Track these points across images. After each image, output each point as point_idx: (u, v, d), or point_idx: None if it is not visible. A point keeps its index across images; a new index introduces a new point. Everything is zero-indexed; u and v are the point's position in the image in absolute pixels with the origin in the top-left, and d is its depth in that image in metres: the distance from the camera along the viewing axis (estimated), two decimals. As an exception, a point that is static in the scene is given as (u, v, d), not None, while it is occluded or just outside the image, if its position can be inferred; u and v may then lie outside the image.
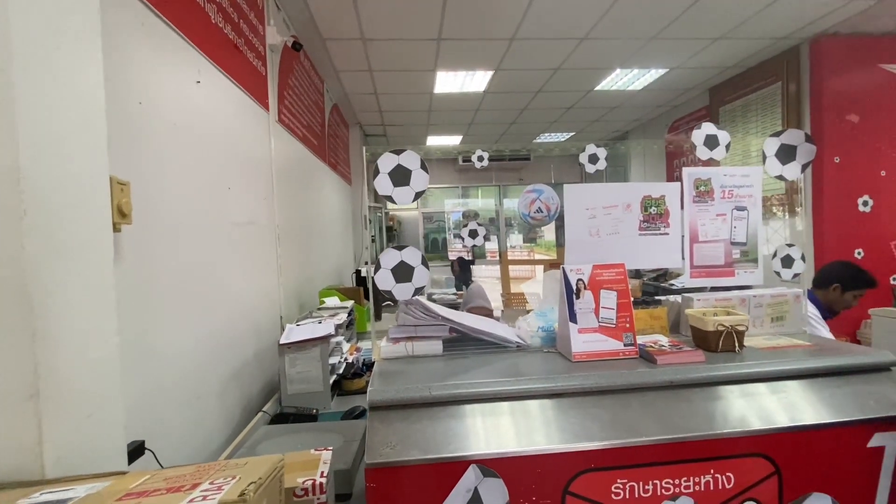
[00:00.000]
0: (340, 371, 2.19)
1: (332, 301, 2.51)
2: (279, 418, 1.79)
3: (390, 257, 1.09)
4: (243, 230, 2.14)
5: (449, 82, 4.42)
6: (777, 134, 1.18)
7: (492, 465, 0.82)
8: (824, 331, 1.69)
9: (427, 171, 1.09)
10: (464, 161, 7.50)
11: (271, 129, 2.66)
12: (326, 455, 1.12)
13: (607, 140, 7.26)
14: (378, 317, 3.91)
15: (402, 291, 1.10)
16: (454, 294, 4.59)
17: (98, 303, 0.98)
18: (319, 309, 2.61)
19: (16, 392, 0.79)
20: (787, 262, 1.22)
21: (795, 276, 1.22)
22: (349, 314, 2.53)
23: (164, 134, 1.47)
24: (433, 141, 6.76)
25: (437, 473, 0.82)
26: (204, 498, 0.63)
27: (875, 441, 0.90)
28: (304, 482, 0.97)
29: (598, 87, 4.76)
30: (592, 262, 1.08)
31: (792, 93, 3.96)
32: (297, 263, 2.99)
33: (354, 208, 5.78)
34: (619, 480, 0.85)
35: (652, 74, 4.49)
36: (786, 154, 1.17)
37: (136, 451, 1.19)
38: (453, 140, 6.63)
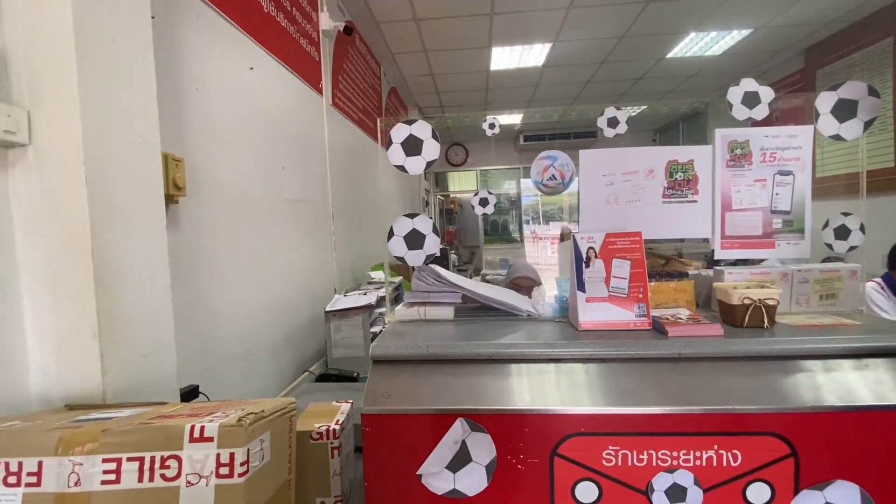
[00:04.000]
0: (383, 340, 2.31)
1: (378, 275, 2.64)
2: (323, 378, 1.95)
3: (402, 225, 1.14)
4: (297, 207, 2.31)
5: (505, 58, 4.33)
6: (834, 87, 1.03)
7: (479, 420, 0.85)
8: (886, 316, 1.47)
9: (438, 141, 1.11)
10: (525, 140, 7.32)
11: (326, 112, 2.81)
12: (345, 406, 1.22)
13: (683, 115, 6.68)
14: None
15: (414, 258, 1.14)
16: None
17: (152, 260, 1.14)
18: (369, 283, 2.75)
19: (82, 331, 0.95)
20: (842, 233, 1.07)
21: (851, 248, 1.07)
22: (396, 289, 2.64)
23: (219, 117, 1.63)
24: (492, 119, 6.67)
25: (427, 424, 0.86)
26: (212, 420, 0.72)
27: (918, 430, 0.79)
28: (319, 427, 1.07)
29: (669, 55, 4.39)
30: (604, 231, 1.04)
31: (908, 48, 3.37)
32: (351, 240, 3.16)
33: (413, 190, 5.92)
34: (611, 447, 0.84)
35: (733, 37, 4.04)
36: (844, 110, 1.03)
37: (190, 393, 1.36)
38: (513, 118, 6.48)
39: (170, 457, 0.70)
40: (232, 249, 1.66)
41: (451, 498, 0.86)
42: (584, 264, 1.03)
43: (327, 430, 1.07)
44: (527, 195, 8.24)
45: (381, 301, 2.36)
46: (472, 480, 0.85)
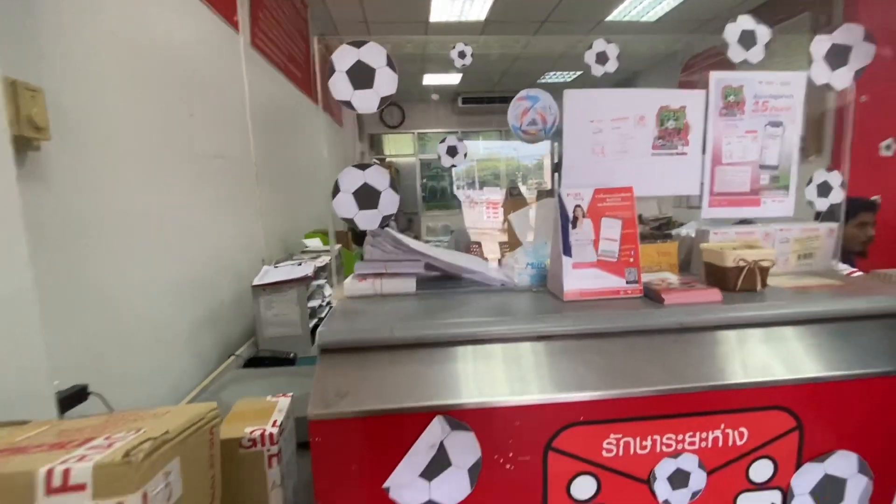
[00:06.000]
0: (322, 315, 2.07)
1: (314, 243, 2.35)
2: (254, 362, 1.69)
3: (351, 178, 0.91)
4: (213, 164, 1.95)
5: (446, 8, 4.02)
6: (829, 30, 0.96)
7: (461, 417, 0.69)
8: None
9: (395, 70, 0.88)
10: (464, 103, 7.08)
11: (244, 53, 2.39)
12: (283, 402, 1.00)
13: (616, 81, 6.82)
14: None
15: (366, 220, 0.93)
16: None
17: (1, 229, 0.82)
18: (302, 252, 2.47)
19: None
20: (824, 189, 1.03)
21: (832, 206, 1.04)
22: (336, 258, 2.39)
23: (100, 42, 1.25)
24: (430, 80, 6.34)
25: (396, 426, 0.68)
26: (81, 458, 0.49)
27: (916, 394, 0.76)
28: (252, 432, 0.86)
29: (609, 18, 4.34)
30: (592, 186, 0.90)
31: (822, 24, 3.59)
32: (281, 205, 2.82)
33: (346, 151, 5.50)
34: (612, 435, 0.72)
35: (669, 2, 4.07)
36: (837, 56, 0.96)
37: (77, 394, 1.06)
38: (451, 79, 6.20)
39: (14, 519, 0.46)
40: (126, 213, 1.31)
41: (427, 510, 0.70)
42: (570, 225, 0.88)
43: (262, 436, 0.85)
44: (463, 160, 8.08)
45: (318, 272, 2.11)
46: (452, 487, 0.70)
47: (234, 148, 2.20)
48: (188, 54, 1.77)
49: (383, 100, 0.89)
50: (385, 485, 0.69)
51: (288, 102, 3.18)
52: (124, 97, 1.36)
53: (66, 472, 0.47)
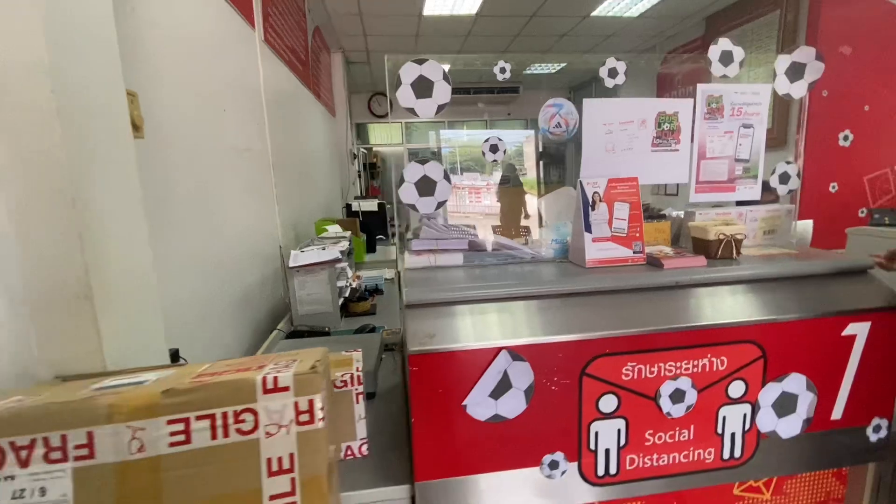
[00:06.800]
0: (346, 294, 2.27)
1: (334, 229, 2.54)
2: (293, 335, 1.88)
3: (414, 171, 1.12)
4: (241, 156, 2.10)
5: (440, 3, 4.17)
6: (790, 51, 1.20)
7: (519, 352, 0.92)
8: None
9: (450, 83, 1.09)
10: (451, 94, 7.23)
11: (259, 49, 2.52)
12: (358, 355, 1.21)
13: (597, 74, 7.08)
14: (372, 249, 3.97)
15: (425, 205, 1.14)
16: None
17: (129, 210, 1.00)
18: (321, 237, 2.63)
19: (72, 292, 0.83)
20: (784, 178, 1.29)
21: (790, 192, 1.30)
22: (349, 243, 2.57)
23: (161, 45, 1.39)
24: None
25: (472, 359, 0.91)
26: (278, 371, 0.70)
27: (848, 330, 1.03)
28: (342, 375, 1.07)
29: (594, 13, 4.57)
30: (606, 177, 1.14)
31: (789, 22, 3.89)
32: (292, 194, 2.97)
33: (339, 141, 5.61)
34: (629, 364, 0.96)
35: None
36: (795, 72, 1.21)
37: (173, 356, 1.25)
38: (441, 70, 6.33)
39: (243, 411, 0.67)
40: (182, 202, 1.47)
41: (493, 422, 0.93)
42: (590, 207, 1.12)
43: (350, 378, 1.07)
44: (445, 146, 8.26)
45: (343, 255, 2.29)
46: (513, 404, 0.93)
47: (256, 141, 2.35)
48: (217, 50, 1.90)
49: (440, 107, 1.10)
50: (463, 402, 0.92)
51: (292, 94, 3.31)
52: (180, 93, 1.50)
53: (276, 378, 0.68)
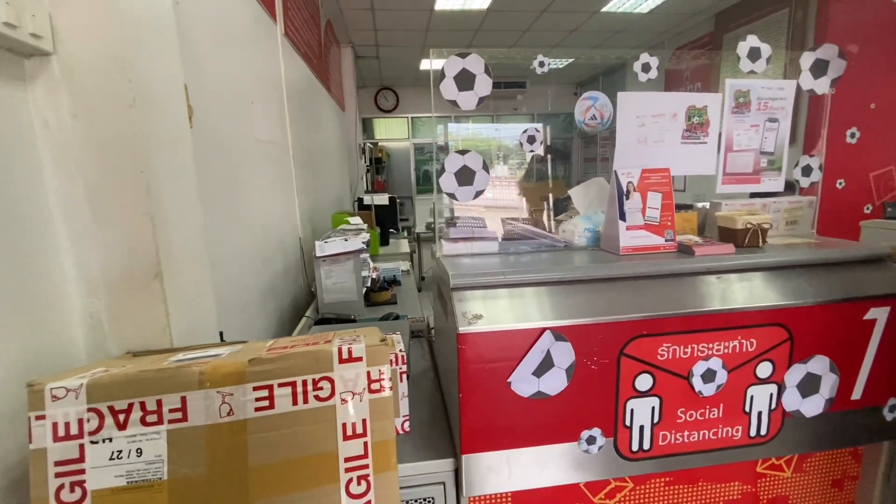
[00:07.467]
0: (368, 284, 2.32)
1: (356, 220, 2.60)
2: (321, 322, 1.94)
3: (454, 161, 1.17)
4: (266, 148, 2.14)
5: (453, -2, 4.20)
6: (814, 48, 1.25)
7: (562, 332, 0.97)
8: None
9: (491, 76, 1.13)
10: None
11: (280, 42, 2.55)
12: (397, 337, 1.27)
13: (605, 70, 7.11)
14: (386, 242, 4.02)
15: (464, 194, 1.19)
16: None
17: (187, 195, 1.05)
18: (341, 229, 2.68)
19: (144, 272, 0.88)
20: (807, 171, 1.34)
21: (812, 184, 1.35)
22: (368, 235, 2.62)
23: (199, 37, 1.43)
24: (426, 65, 6.50)
25: (517, 338, 0.96)
26: (349, 344, 0.75)
27: (870, 315, 1.09)
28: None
29: (605, 9, 4.59)
30: (637, 167, 1.18)
31: (798, 20, 3.92)
32: (309, 187, 3.01)
33: (348, 135, 5.64)
34: (664, 344, 1.02)
35: (660, -4, 4.35)
36: (818, 68, 1.26)
37: (220, 338, 1.30)
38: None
39: (321, 379, 0.72)
40: (217, 192, 1.51)
41: (535, 398, 0.99)
42: (624, 197, 1.16)
43: (396, 357, 1.12)
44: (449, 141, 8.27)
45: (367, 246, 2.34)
46: (555, 382, 0.98)
47: (279, 134, 2.39)
48: (248, 46, 1.94)
49: (481, 99, 1.14)
50: (508, 379, 0.97)
51: (308, 88, 3.34)
52: (213, 85, 1.54)
53: (350, 350, 0.73)
